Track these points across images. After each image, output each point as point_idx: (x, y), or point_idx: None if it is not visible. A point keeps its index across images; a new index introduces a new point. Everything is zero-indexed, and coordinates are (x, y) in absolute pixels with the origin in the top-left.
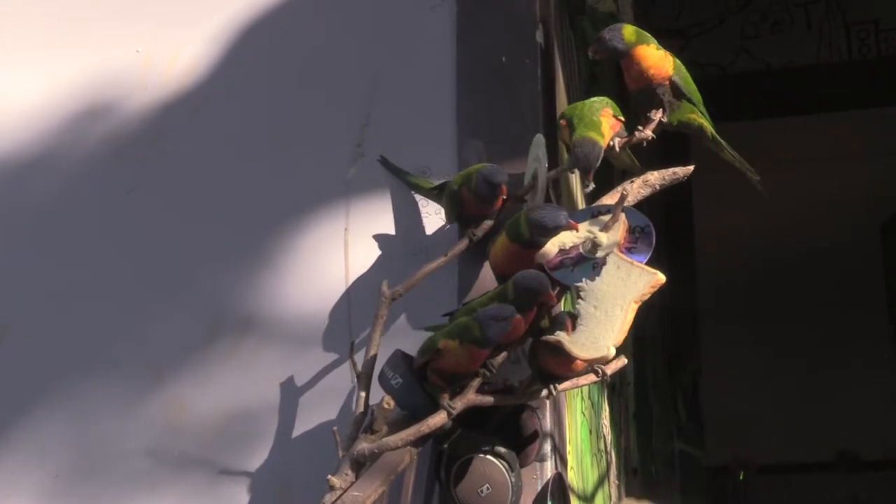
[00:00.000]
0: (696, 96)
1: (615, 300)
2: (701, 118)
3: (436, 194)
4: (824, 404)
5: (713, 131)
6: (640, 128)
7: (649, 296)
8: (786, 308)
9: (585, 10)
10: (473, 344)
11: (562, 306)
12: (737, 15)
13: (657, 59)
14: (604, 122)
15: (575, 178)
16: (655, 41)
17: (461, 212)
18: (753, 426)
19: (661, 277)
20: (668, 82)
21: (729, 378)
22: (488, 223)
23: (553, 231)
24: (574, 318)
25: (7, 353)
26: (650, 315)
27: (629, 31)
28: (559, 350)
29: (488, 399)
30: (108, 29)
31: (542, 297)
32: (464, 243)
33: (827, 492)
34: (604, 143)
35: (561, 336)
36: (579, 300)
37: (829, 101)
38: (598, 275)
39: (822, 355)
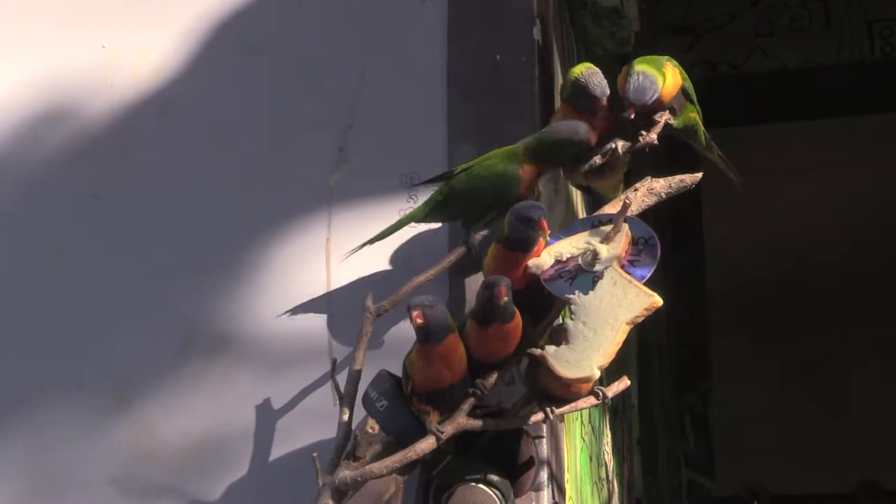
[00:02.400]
0: (694, 97)
1: (606, 318)
2: (698, 118)
3: (432, 209)
4: (844, 429)
5: (704, 129)
6: (643, 133)
7: (643, 319)
8: (804, 324)
9: (586, 5)
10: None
11: (560, 321)
12: (750, 10)
13: (674, 84)
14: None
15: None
16: (658, 58)
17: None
18: (767, 452)
19: (657, 300)
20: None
21: (741, 399)
22: (483, 231)
23: (526, 223)
24: (564, 331)
25: None
26: (656, 331)
27: (661, 78)
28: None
29: (480, 423)
30: (71, 24)
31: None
32: (454, 255)
33: None
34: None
35: (546, 350)
36: (569, 316)
37: (849, 104)
38: (593, 289)
39: (844, 375)
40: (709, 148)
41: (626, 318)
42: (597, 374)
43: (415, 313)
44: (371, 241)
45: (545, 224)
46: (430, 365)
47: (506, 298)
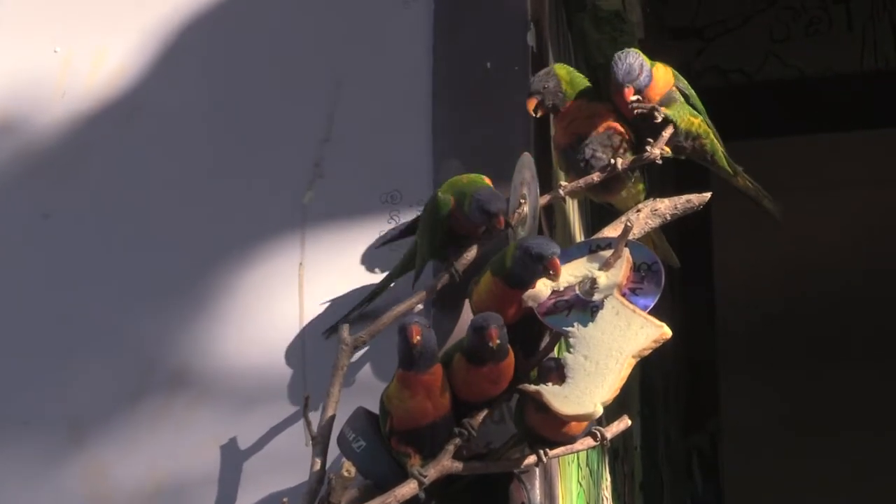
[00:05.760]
0: (700, 106)
1: (609, 351)
2: (708, 129)
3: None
4: (866, 471)
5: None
6: (649, 147)
7: (650, 352)
8: (821, 357)
9: (586, 8)
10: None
11: (556, 354)
12: (765, 13)
13: (665, 77)
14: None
15: (572, 206)
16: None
17: (448, 233)
18: (781, 497)
19: (666, 332)
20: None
21: (753, 438)
22: (471, 255)
23: (536, 261)
24: (561, 366)
25: None
26: (662, 365)
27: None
28: (543, 405)
29: (466, 466)
30: (20, 25)
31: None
32: (437, 282)
33: None
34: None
35: (543, 387)
36: (569, 349)
37: (872, 116)
38: (593, 320)
39: (865, 415)
40: (734, 173)
41: (631, 350)
42: (599, 410)
43: (414, 329)
44: (357, 310)
45: (558, 264)
46: (413, 396)
47: (499, 341)
